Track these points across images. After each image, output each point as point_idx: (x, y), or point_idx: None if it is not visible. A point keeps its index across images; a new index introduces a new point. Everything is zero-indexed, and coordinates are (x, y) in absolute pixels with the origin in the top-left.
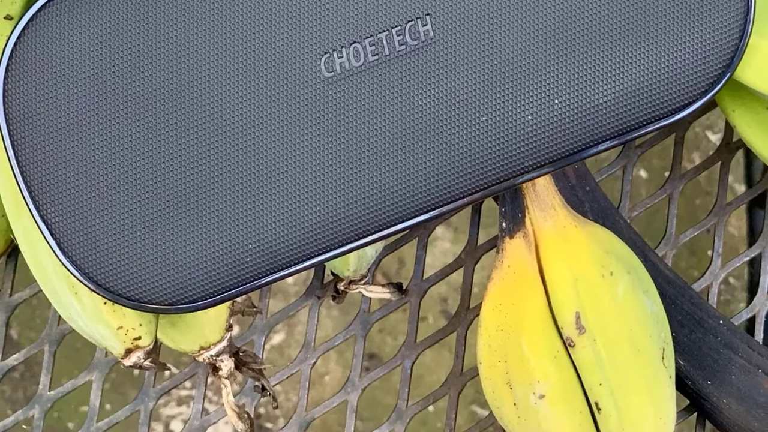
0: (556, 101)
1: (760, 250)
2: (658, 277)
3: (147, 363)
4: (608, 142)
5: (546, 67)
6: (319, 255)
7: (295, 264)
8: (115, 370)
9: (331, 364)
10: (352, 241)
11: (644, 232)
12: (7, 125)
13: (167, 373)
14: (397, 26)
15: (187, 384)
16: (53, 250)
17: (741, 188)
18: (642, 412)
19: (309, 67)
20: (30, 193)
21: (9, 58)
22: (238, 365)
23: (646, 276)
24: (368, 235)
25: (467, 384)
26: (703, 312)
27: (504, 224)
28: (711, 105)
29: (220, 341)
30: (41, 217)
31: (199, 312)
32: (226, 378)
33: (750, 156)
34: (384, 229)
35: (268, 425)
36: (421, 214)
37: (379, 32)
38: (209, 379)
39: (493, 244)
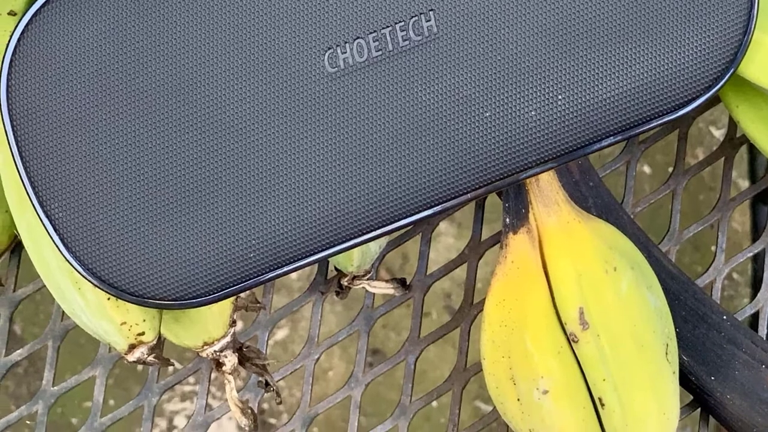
0: (560, 97)
1: (763, 245)
2: (662, 273)
3: (150, 358)
4: (612, 137)
5: (549, 63)
6: (322, 251)
7: (299, 260)
8: (118, 366)
9: (334, 359)
10: (355, 237)
11: (648, 228)
12: (11, 121)
13: (171, 368)
14: (400, 22)
15: (191, 379)
16: (57, 246)
17: (744, 184)
18: (645, 407)
19: (313, 63)
20: (33, 188)
21: (13, 54)
22: (242, 361)
23: (649, 271)
24: (372, 231)
25: (471, 379)
26: (707, 307)
27: (507, 220)
28: (714, 101)
29: (223, 337)
30: (45, 212)
31: (202, 307)
32: (229, 373)
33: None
34: (388, 224)
35: (272, 421)
36: (425, 209)
37: (383, 28)
38: (213, 375)
39: (497, 239)
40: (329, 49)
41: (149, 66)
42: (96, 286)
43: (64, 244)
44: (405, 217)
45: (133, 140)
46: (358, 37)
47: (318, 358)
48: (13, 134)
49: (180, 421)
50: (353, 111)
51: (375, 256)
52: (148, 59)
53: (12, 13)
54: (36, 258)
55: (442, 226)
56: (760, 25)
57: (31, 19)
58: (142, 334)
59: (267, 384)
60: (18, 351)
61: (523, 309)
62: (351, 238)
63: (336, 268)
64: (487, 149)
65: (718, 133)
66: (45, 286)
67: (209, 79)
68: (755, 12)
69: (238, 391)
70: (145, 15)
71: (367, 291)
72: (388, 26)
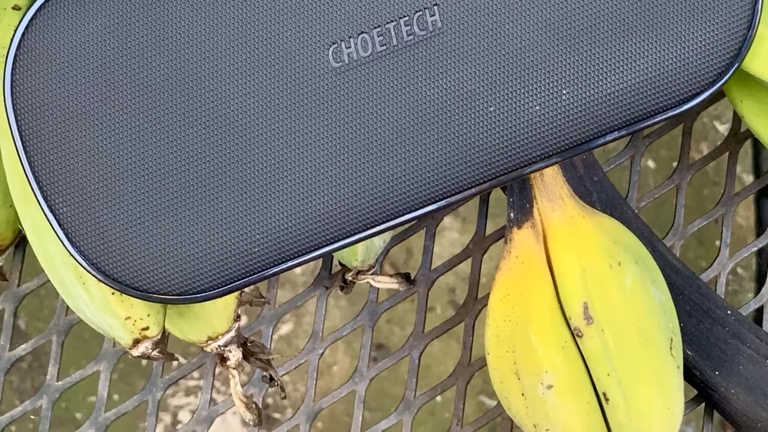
0: (564, 92)
1: None
2: (666, 268)
3: (155, 353)
4: (616, 132)
5: (554, 58)
6: (326, 245)
7: (303, 254)
8: (123, 361)
9: (338, 354)
10: (360, 232)
11: (652, 223)
12: (16, 115)
13: (175, 363)
14: (405, 16)
15: (195, 374)
16: (61, 241)
17: (749, 178)
18: (650, 402)
19: (317, 58)
20: (38, 183)
21: (17, 49)
22: (246, 355)
23: (654, 266)
24: (376, 226)
25: (475, 374)
26: (711, 302)
27: (512, 214)
28: (719, 95)
29: (228, 331)
30: (49, 207)
31: (207, 302)
32: (234, 368)
33: (758, 146)
34: (392, 219)
35: (276, 415)
36: (429, 204)
37: (387, 22)
38: (217, 370)
39: (501, 234)
40: (333, 44)
41: (153, 60)
42: (100, 281)
43: (69, 239)
44: (409, 212)
45: (137, 135)
46: (362, 32)
47: (322, 353)
48: (18, 129)
49: (184, 416)
50: (357, 106)
51: (379, 251)
52: (152, 53)
53: (16, 8)
54: (40, 253)
55: (447, 220)
56: (764, 20)
57: (35, 14)
58: (147, 328)
59: (271, 379)
60: (22, 346)
61: (527, 304)
62: (355, 233)
63: (340, 263)
64: (492, 144)
65: (723, 128)
66: (49, 281)
67: (213, 73)
68: (759, 6)
69: (242, 386)
70: (149, 9)
71: (371, 286)
72: (392, 21)
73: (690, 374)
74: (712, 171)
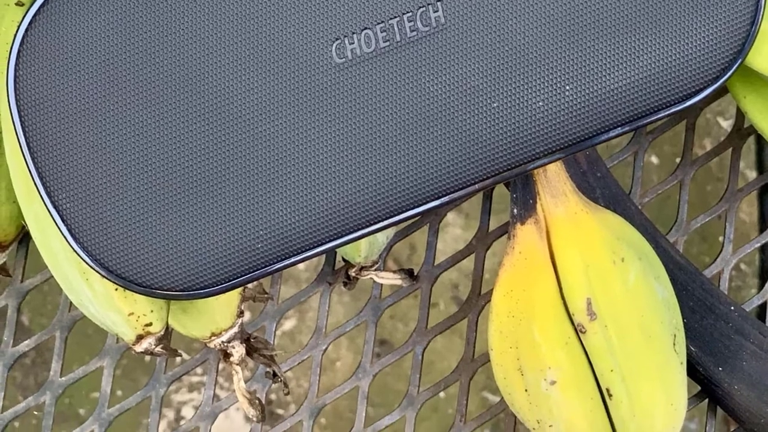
0: (568, 88)
1: None
2: (670, 264)
3: (158, 349)
4: (619, 128)
5: (557, 54)
6: (330, 241)
7: (307, 250)
8: (126, 357)
9: (342, 350)
10: (363, 227)
11: (655, 219)
12: (19, 111)
13: (178, 359)
14: (408, 12)
15: (199, 370)
16: (64, 237)
17: (752, 174)
18: (653, 398)
19: (320, 54)
20: (41, 179)
21: (20, 44)
22: (250, 351)
23: (657, 262)
24: (379, 222)
25: (478, 370)
26: (715, 298)
27: (515, 210)
28: (722, 91)
29: (231, 327)
30: (52, 203)
31: (210, 298)
32: (237, 364)
33: (761, 142)
34: (395, 215)
35: (280, 411)
36: (433, 200)
37: (391, 18)
38: (220, 366)
39: (505, 230)
40: (337, 39)
41: (156, 56)
42: (104, 276)
43: (72, 235)
44: (412, 208)
45: (141, 131)
46: (365, 28)
47: (325, 349)
48: (21, 125)
49: (188, 412)
50: (361, 101)
51: (382, 247)
52: (156, 50)
53: (20, 4)
54: (44, 249)
55: (450, 216)
56: (767, 16)
57: (38, 10)
58: (150, 324)
59: (275, 374)
60: (26, 342)
61: (530, 300)
62: (358, 229)
63: (343, 259)
64: (495, 140)
65: (726, 124)
66: (52, 277)
67: (217, 69)
68: (762, 2)
69: (245, 382)
70: (152, 5)
71: (374, 282)
72: (395, 17)
73: (693, 370)
74: (715, 167)
